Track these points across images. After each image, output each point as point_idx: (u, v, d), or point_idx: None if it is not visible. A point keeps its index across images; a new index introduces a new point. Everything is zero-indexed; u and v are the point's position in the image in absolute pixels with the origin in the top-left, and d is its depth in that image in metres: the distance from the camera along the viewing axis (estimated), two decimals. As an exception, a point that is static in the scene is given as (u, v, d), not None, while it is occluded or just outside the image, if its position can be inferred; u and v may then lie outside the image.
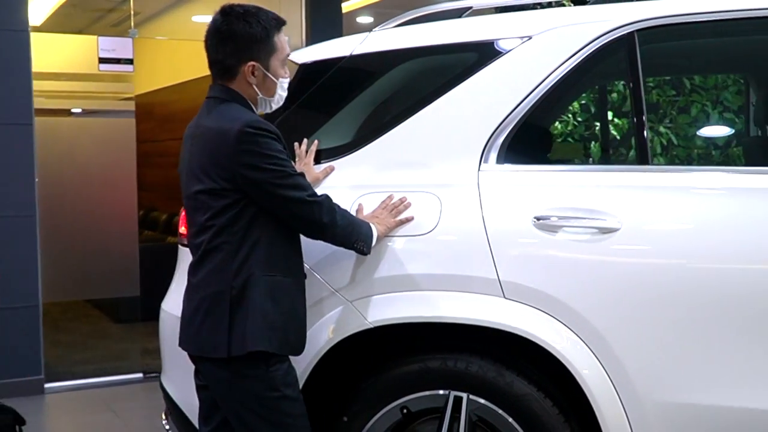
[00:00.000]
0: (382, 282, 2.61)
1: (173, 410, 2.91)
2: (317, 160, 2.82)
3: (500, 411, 2.57)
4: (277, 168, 2.38)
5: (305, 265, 2.60)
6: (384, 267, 2.62)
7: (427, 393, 2.61)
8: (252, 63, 2.49)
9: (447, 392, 2.59)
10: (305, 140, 2.81)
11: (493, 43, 2.79)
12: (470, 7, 3.04)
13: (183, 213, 2.76)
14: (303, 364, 2.63)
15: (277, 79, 2.55)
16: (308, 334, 2.60)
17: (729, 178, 2.62)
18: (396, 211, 2.62)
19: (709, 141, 6.21)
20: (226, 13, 2.50)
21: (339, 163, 2.79)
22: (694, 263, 2.50)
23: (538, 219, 2.55)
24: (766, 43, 3.09)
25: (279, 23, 2.54)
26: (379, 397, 2.64)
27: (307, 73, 2.96)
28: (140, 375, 5.88)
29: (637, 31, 2.69)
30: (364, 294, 2.62)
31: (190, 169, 2.50)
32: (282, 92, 2.59)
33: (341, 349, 2.66)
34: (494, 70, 2.75)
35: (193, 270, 2.52)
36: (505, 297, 2.54)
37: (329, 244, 2.56)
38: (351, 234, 2.49)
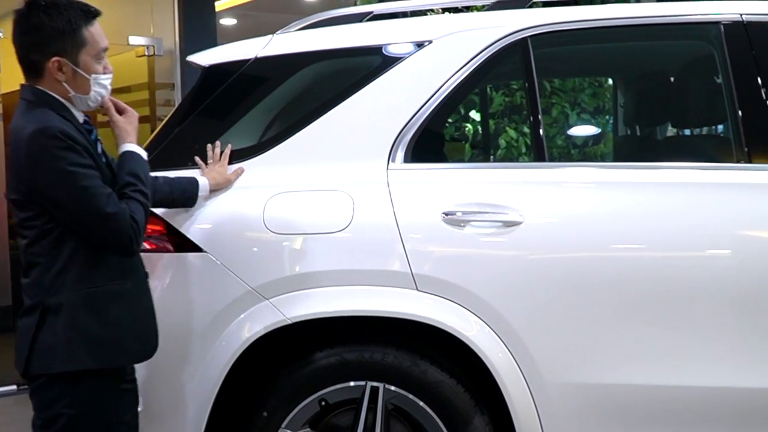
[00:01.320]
0: (299, 279, 2.69)
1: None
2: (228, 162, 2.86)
3: (415, 398, 2.69)
4: (69, 182, 2.24)
5: (216, 261, 2.66)
6: (300, 264, 2.70)
7: (344, 385, 2.70)
8: (57, 58, 2.32)
9: (364, 383, 2.69)
10: (218, 143, 2.84)
11: (395, 47, 2.91)
12: (371, 12, 3.14)
13: None
14: (222, 362, 2.67)
15: (89, 75, 2.37)
16: (226, 332, 2.67)
17: (616, 174, 2.84)
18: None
19: (570, 139, 6.52)
20: (30, 5, 2.33)
21: (250, 164, 2.84)
22: (588, 252, 2.70)
23: (447, 214, 2.69)
24: (631, 49, 3.37)
25: (89, 15, 2.37)
26: (298, 391, 2.71)
27: (212, 75, 3.00)
28: (14, 387, 5.69)
29: (530, 36, 2.87)
30: (282, 291, 2.68)
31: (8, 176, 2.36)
32: (99, 89, 2.40)
33: (258, 347, 2.71)
34: (397, 73, 2.87)
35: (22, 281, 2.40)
36: (418, 289, 2.66)
37: (245, 243, 2.62)
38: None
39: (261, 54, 2.96)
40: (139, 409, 2.73)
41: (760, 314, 2.65)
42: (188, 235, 2.72)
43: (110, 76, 2.44)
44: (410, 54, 2.88)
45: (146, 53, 6.45)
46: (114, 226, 2.27)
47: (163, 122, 3.09)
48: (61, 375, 2.30)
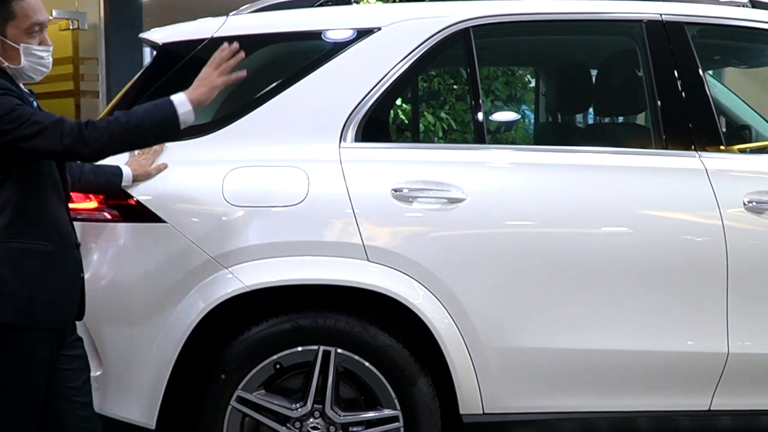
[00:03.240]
0: (257, 249, 2.84)
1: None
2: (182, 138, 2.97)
3: (364, 361, 2.88)
4: (17, 123, 2.31)
5: (177, 231, 2.79)
6: (258, 235, 2.85)
7: (298, 349, 2.87)
8: None
9: (317, 347, 2.87)
10: None
11: (346, 32, 3.08)
12: (327, -1, 3.31)
13: None
14: (182, 328, 2.81)
15: (18, 45, 2.43)
16: (186, 298, 2.80)
17: (547, 156, 3.09)
18: (226, 67, 2.58)
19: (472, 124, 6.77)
20: None
21: (206, 140, 2.96)
22: (520, 228, 2.95)
23: (395, 191, 2.88)
24: (563, 42, 3.64)
25: None
26: (254, 355, 2.87)
27: (167, 54, 3.10)
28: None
29: (472, 27, 3.08)
30: (240, 260, 2.83)
31: None
32: (32, 59, 2.46)
33: (216, 314, 2.85)
34: (348, 58, 3.04)
35: None
36: (368, 260, 2.85)
37: (205, 214, 2.77)
38: (138, 138, 2.47)
39: (216, 34, 3.08)
40: (98, 373, 2.85)
41: (668, 286, 2.95)
42: (150, 207, 2.83)
43: (47, 48, 2.49)
44: (360, 39, 3.06)
45: (70, 27, 6.41)
46: (53, 132, 2.33)
47: (116, 99, 3.18)
48: None
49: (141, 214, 2.84)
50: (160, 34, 3.16)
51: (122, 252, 2.86)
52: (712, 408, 3.01)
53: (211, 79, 2.57)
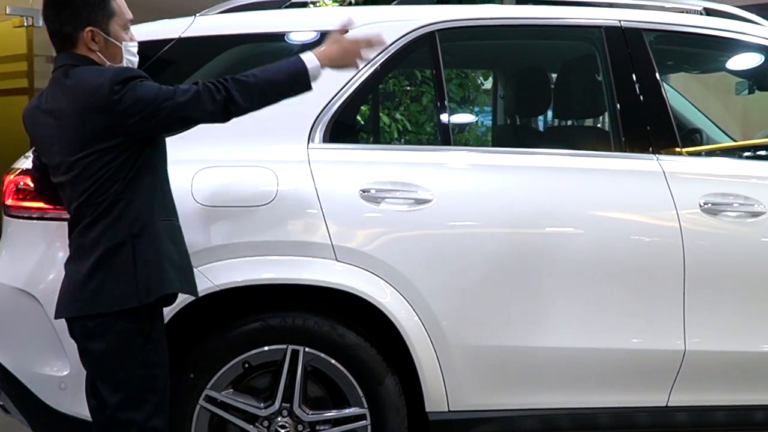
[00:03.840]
0: (227, 249, 2.85)
1: (6, 382, 2.94)
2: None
3: (332, 360, 2.92)
4: (168, 98, 2.41)
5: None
6: (228, 235, 2.86)
7: (267, 348, 2.90)
8: (90, 28, 2.45)
9: (285, 346, 2.89)
10: None
11: (314, 34, 3.11)
12: (289, 0, 3.33)
13: (6, 183, 2.84)
14: (151, 327, 2.80)
15: (120, 43, 2.51)
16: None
17: (512, 159, 3.16)
18: (365, 41, 2.58)
19: (437, 126, 6.84)
20: None
21: (174, 140, 2.95)
22: (485, 228, 3.01)
23: (364, 191, 2.92)
24: (525, 46, 3.72)
25: None
26: (223, 354, 2.88)
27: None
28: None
29: (437, 30, 3.14)
30: (210, 260, 2.84)
31: (61, 140, 2.44)
32: (130, 57, 2.55)
33: (186, 313, 2.86)
34: (315, 59, 3.07)
35: (81, 233, 2.46)
36: (337, 260, 2.88)
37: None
38: (272, 93, 2.51)
39: (184, 34, 3.09)
40: (65, 373, 2.84)
41: (627, 285, 3.04)
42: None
43: (137, 44, 2.58)
44: (327, 41, 3.08)
45: (24, 24, 6.32)
46: (200, 99, 2.41)
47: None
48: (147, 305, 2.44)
49: (109, 213, 2.83)
50: (127, 34, 3.15)
51: (90, 251, 2.85)
52: (669, 404, 3.10)
53: (343, 40, 2.57)
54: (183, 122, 2.51)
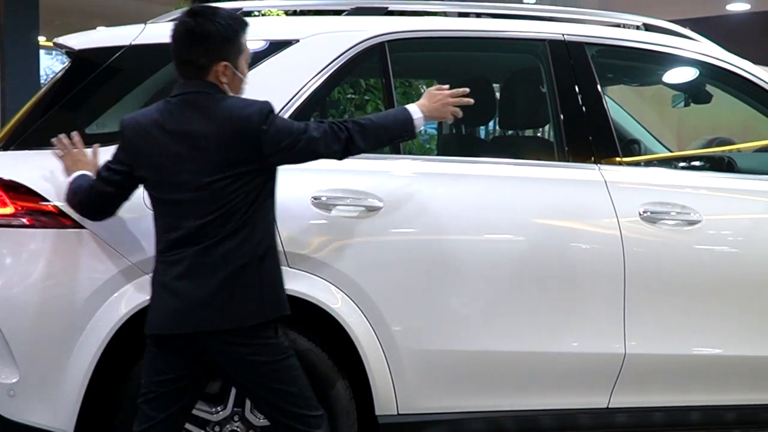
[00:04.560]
0: (180, 255, 2.87)
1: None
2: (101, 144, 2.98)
3: (284, 365, 2.95)
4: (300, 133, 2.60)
5: (97, 236, 2.82)
6: (180, 241, 2.88)
7: (219, 353, 2.92)
8: (225, 63, 2.59)
9: (237, 351, 2.92)
10: (75, 133, 2.85)
11: (265, 43, 3.15)
12: (241, 8, 3.35)
13: None
14: (102, 334, 2.81)
15: (244, 77, 2.67)
16: (105, 305, 2.82)
17: (459, 167, 3.24)
18: (458, 99, 2.83)
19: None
20: (196, 14, 2.58)
21: (126, 147, 2.98)
22: (433, 235, 3.08)
23: (315, 198, 2.97)
24: (472, 58, 3.82)
25: (244, 24, 2.66)
26: (175, 360, 2.89)
27: (83, 60, 3.11)
28: None
29: (387, 41, 3.20)
30: (163, 266, 2.85)
31: (195, 160, 2.53)
32: (245, 89, 2.70)
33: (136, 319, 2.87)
34: (266, 69, 3.11)
35: (203, 252, 2.53)
36: (289, 266, 2.92)
37: (126, 220, 2.80)
38: (383, 138, 2.76)
39: (135, 42, 3.11)
40: (14, 380, 2.83)
41: (570, 291, 3.15)
42: (69, 213, 2.82)
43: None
44: (279, 51, 3.14)
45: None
46: (327, 137, 2.62)
47: (30, 104, 3.15)
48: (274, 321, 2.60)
49: (60, 220, 2.83)
50: (76, 40, 3.16)
51: (41, 258, 2.85)
52: (610, 405, 3.20)
53: (444, 96, 2.83)
54: (310, 155, 2.67)
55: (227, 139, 2.53)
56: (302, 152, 2.61)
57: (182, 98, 2.60)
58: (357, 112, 7.53)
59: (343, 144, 2.64)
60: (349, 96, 7.66)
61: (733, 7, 11.00)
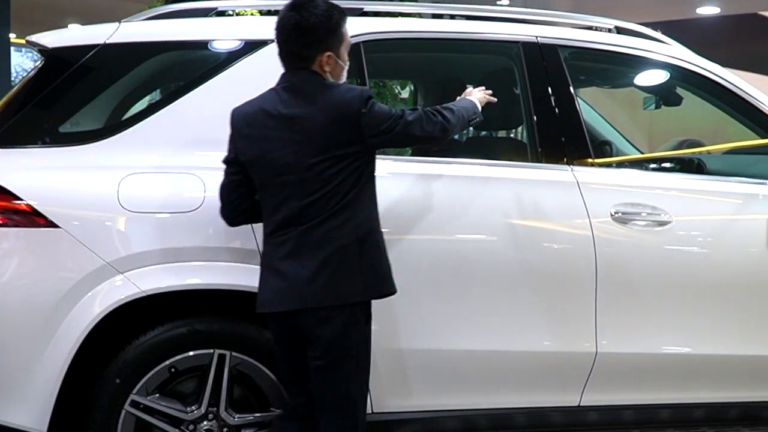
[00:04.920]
0: (154, 254, 2.87)
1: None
2: (75, 143, 2.98)
3: (258, 363, 2.96)
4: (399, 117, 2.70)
5: (71, 236, 2.81)
6: (155, 241, 2.89)
7: (193, 353, 2.92)
8: (328, 53, 2.70)
9: (212, 351, 2.93)
10: None
11: (241, 42, 3.16)
12: (215, 8, 3.36)
13: None
14: (76, 333, 2.81)
15: (345, 65, 2.79)
16: (80, 304, 2.82)
17: (430, 167, 3.25)
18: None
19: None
20: (299, 6, 2.69)
21: (101, 145, 2.97)
22: (409, 235, 3.10)
23: (290, 198, 2.97)
24: (446, 59, 3.84)
25: (344, 14, 2.75)
26: (150, 359, 2.89)
27: (56, 58, 3.09)
28: None
29: (363, 42, 3.22)
30: (137, 265, 2.86)
31: (299, 143, 2.64)
32: (345, 77, 2.83)
33: (111, 319, 2.87)
34: (241, 68, 3.13)
35: (305, 233, 2.64)
36: (268, 265, 2.93)
37: (100, 220, 2.80)
38: (462, 123, 2.90)
39: (109, 41, 3.10)
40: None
41: (542, 290, 3.18)
42: (43, 212, 2.81)
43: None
44: (254, 51, 3.14)
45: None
46: (424, 121, 2.74)
47: (2, 103, 3.14)
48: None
49: (33, 219, 2.82)
50: (49, 38, 3.15)
51: (13, 257, 2.83)
52: (581, 404, 3.24)
53: (476, 92, 3.07)
54: (408, 138, 2.79)
55: (329, 122, 2.64)
56: (400, 135, 2.71)
57: (287, 86, 2.72)
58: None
59: (439, 126, 2.76)
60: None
61: (703, 11, 11.13)
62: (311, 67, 2.71)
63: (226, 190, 2.78)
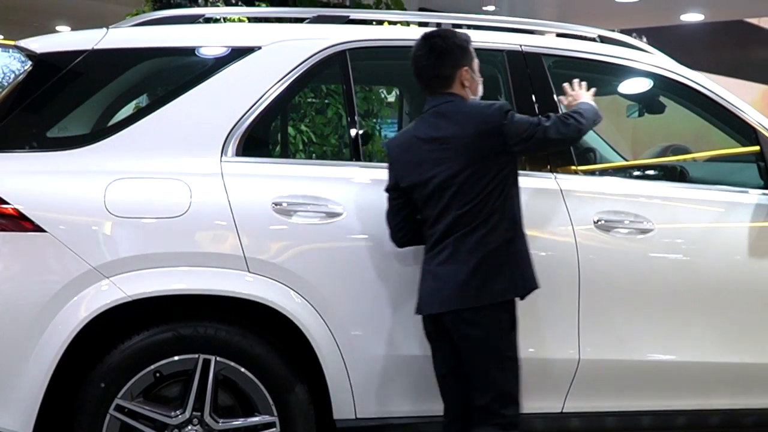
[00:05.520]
0: (140, 259, 2.89)
1: None
2: (63, 148, 2.99)
3: (243, 369, 2.98)
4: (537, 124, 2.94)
5: (58, 241, 2.83)
6: (141, 246, 2.90)
7: (178, 357, 2.94)
8: (465, 68, 2.96)
9: (197, 356, 2.94)
10: None
11: (228, 49, 3.18)
12: (202, 15, 3.38)
13: None
14: (62, 337, 2.82)
15: (480, 79, 3.03)
16: (66, 308, 2.83)
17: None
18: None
19: (342, 139, 6.94)
20: (430, 36, 2.98)
21: (87, 151, 2.99)
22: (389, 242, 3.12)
23: (276, 204, 3.00)
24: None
25: (468, 35, 3.05)
26: (134, 364, 2.91)
27: (44, 64, 3.10)
28: None
29: (348, 49, 3.25)
30: (123, 270, 2.87)
31: (447, 161, 2.87)
32: (481, 89, 3.05)
33: (97, 322, 2.88)
34: (229, 74, 3.15)
35: (460, 240, 2.86)
36: (249, 271, 2.95)
37: (87, 224, 2.81)
38: (590, 125, 3.09)
39: (97, 46, 3.11)
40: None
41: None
42: (30, 216, 2.82)
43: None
44: (241, 57, 3.16)
45: None
46: (558, 125, 2.97)
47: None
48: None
49: (20, 223, 2.83)
50: (38, 44, 3.15)
51: (2, 261, 2.84)
52: (564, 410, 3.27)
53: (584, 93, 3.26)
54: (547, 143, 2.99)
55: (476, 137, 2.88)
56: (540, 140, 2.93)
57: (434, 111, 2.96)
58: (318, 116, 7.56)
59: (573, 128, 2.98)
60: (310, 100, 7.69)
61: (686, 18, 11.22)
62: (452, 88, 2.95)
63: (390, 216, 3.02)
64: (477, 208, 2.87)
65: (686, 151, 4.52)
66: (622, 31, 12.98)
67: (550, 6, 10.75)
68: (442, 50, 2.94)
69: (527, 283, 2.96)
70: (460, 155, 2.89)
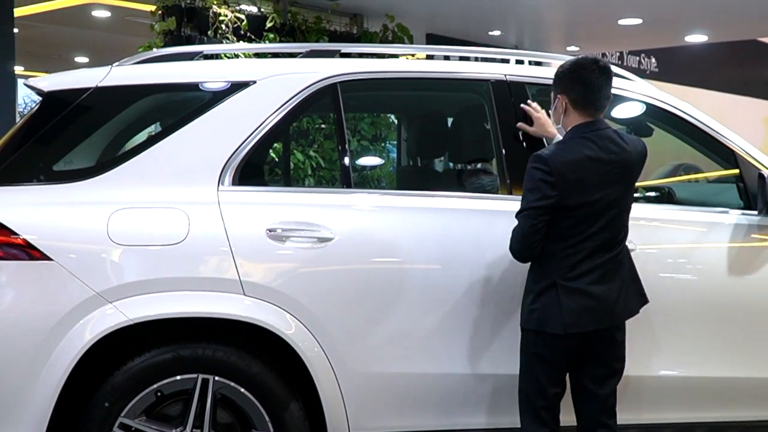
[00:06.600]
0: (141, 285, 3.05)
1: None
2: (68, 181, 3.17)
3: (240, 388, 3.13)
4: None
5: (63, 268, 2.99)
6: (142, 272, 3.07)
7: (179, 377, 3.10)
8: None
9: (196, 375, 3.10)
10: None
11: (224, 84, 3.36)
12: (201, 52, 3.57)
13: None
14: (68, 359, 2.98)
15: None
16: (72, 331, 2.99)
17: (405, 200, 3.43)
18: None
19: (357, 165, 7.11)
20: (593, 59, 3.19)
21: (91, 183, 3.16)
22: (382, 264, 3.28)
23: (270, 231, 3.16)
24: (420, 96, 4.04)
25: None
26: (137, 384, 3.06)
27: (52, 101, 3.29)
28: None
29: (339, 82, 3.42)
30: (125, 295, 3.03)
31: (613, 183, 3.08)
32: None
33: (100, 346, 3.05)
34: (225, 108, 3.31)
35: (612, 259, 3.10)
36: (245, 294, 3.11)
37: (91, 252, 2.99)
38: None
39: (101, 84, 3.30)
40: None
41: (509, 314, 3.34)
42: (37, 245, 3.00)
43: None
44: (237, 91, 3.33)
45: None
46: None
47: (1, 142, 3.33)
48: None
49: (28, 252, 3.01)
50: (46, 82, 3.34)
51: (10, 287, 3.01)
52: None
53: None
54: None
55: (639, 163, 3.17)
56: None
57: (598, 133, 3.13)
58: (326, 142, 7.75)
59: None
60: (319, 126, 7.88)
61: (691, 39, 11.33)
62: (602, 113, 3.19)
63: (532, 233, 3.08)
64: (625, 231, 3.15)
65: (697, 170, 4.63)
66: (630, 53, 13.17)
67: (555, 29, 10.90)
68: (610, 75, 3.18)
69: (643, 296, 3.23)
70: (630, 178, 3.14)
